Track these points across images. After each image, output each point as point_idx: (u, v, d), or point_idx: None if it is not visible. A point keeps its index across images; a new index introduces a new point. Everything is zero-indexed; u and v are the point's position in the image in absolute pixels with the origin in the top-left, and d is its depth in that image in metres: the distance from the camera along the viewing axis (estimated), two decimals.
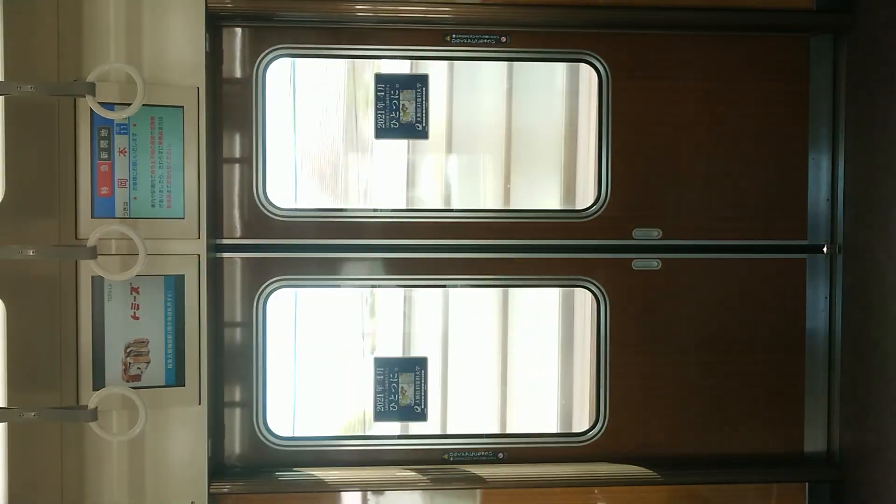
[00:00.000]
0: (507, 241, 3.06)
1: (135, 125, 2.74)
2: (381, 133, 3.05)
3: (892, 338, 2.78)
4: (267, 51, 2.97)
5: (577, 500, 3.01)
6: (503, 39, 3.02)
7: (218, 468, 2.97)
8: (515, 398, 3.36)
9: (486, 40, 3.01)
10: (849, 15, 3.00)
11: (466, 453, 3.07)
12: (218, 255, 2.98)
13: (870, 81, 2.93)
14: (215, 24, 2.91)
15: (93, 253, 2.53)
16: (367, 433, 3.14)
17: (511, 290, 3.26)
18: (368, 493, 2.97)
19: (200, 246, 2.80)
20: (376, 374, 3.08)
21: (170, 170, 2.78)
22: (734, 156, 3.09)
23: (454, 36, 3.00)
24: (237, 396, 3.01)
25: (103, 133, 2.73)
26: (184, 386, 2.79)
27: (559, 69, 3.20)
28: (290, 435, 3.06)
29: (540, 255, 3.07)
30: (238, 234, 2.99)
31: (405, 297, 3.31)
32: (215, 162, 2.95)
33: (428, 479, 2.97)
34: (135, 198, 2.75)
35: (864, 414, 2.94)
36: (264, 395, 3.02)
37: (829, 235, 3.12)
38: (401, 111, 3.03)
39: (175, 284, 2.79)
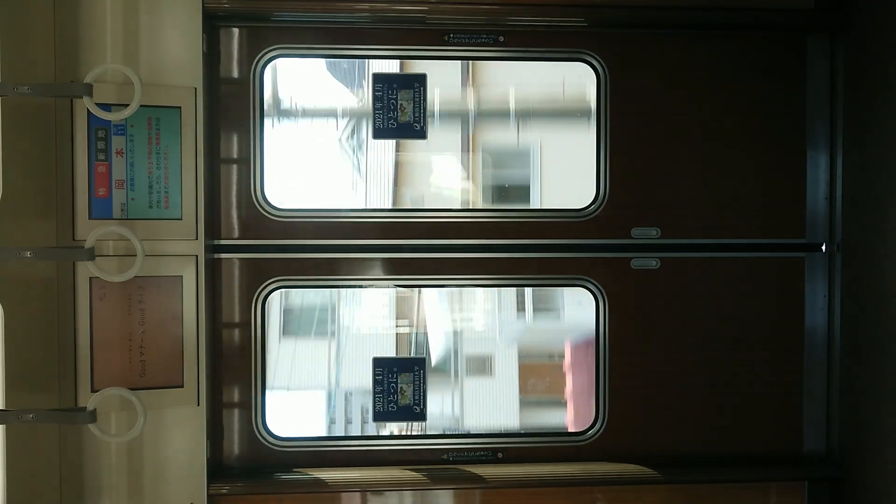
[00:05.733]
0: (505, 240, 3.06)
1: (132, 126, 2.73)
2: (379, 133, 3.04)
3: (890, 335, 2.78)
4: (264, 51, 2.96)
5: (576, 500, 3.01)
6: (501, 39, 3.01)
7: (216, 469, 2.96)
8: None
9: (483, 40, 3.01)
10: (846, 14, 2.99)
11: (466, 453, 3.07)
12: (216, 255, 2.97)
13: (867, 80, 2.93)
14: (212, 24, 2.90)
15: (90, 254, 2.53)
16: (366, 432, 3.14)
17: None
18: (368, 493, 2.97)
19: (198, 247, 2.80)
20: (375, 375, 3.08)
21: (167, 170, 2.77)
22: (732, 154, 3.09)
23: (452, 35, 3.00)
24: (235, 397, 3.00)
25: (100, 134, 2.72)
26: (182, 387, 2.79)
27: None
28: (289, 435, 3.06)
29: (539, 255, 3.06)
30: (236, 234, 2.99)
31: (404, 297, 3.31)
32: (213, 162, 2.94)
33: (427, 478, 2.97)
34: (132, 199, 2.75)
35: (863, 412, 2.94)
36: (263, 395, 3.01)
37: (828, 234, 3.12)
38: (399, 111, 3.03)
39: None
